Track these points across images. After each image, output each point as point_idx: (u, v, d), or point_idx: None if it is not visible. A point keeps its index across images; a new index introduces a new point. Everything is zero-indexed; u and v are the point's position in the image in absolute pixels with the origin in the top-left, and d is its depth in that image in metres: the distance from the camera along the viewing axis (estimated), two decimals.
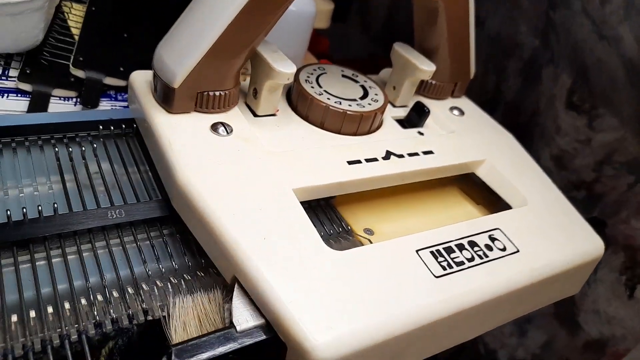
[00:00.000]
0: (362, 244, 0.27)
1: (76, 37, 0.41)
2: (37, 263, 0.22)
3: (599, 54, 0.47)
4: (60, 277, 0.21)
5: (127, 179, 0.27)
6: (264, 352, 0.20)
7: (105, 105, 0.37)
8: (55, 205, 0.23)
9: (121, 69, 0.39)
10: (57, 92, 0.36)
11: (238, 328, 0.20)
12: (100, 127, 0.29)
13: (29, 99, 0.36)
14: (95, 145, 0.28)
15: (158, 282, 0.22)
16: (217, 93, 0.27)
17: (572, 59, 0.50)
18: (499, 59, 0.57)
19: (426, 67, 0.33)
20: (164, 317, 0.21)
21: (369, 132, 0.31)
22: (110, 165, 0.27)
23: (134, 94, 0.29)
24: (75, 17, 0.42)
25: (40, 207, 0.23)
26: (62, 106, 0.36)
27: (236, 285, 0.21)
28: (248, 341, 0.20)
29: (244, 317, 0.20)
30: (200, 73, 0.26)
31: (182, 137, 0.26)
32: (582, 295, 0.51)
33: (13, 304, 0.20)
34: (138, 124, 0.29)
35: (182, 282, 0.23)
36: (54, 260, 0.22)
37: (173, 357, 0.18)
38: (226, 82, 0.27)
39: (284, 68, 0.27)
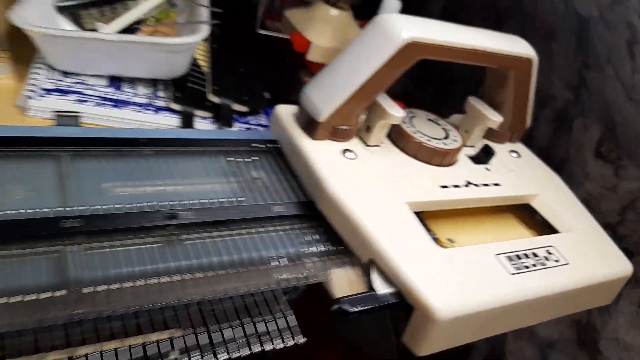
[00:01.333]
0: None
1: (203, 69, 0.51)
2: (227, 239, 0.31)
3: (627, 114, 0.56)
4: (245, 249, 0.30)
5: (278, 184, 0.36)
6: (395, 311, 0.29)
7: (238, 125, 0.47)
8: (238, 198, 0.32)
9: (244, 97, 0.49)
10: (198, 112, 0.46)
11: (378, 293, 0.29)
12: (253, 145, 0.38)
13: (177, 116, 0.45)
14: (253, 158, 0.37)
15: (315, 258, 0.31)
16: (346, 127, 0.37)
17: (602, 115, 0.59)
18: (534, 108, 0.67)
19: (495, 119, 0.42)
20: (324, 281, 0.30)
21: (450, 164, 0.41)
22: (264, 172, 0.36)
23: (279, 122, 0.38)
24: (199, 51, 0.52)
25: (222, 200, 0.32)
26: (201, 124, 0.46)
27: (373, 265, 0.30)
28: (386, 301, 0.28)
29: (381, 286, 0.29)
30: (339, 112, 0.35)
31: (323, 158, 0.35)
32: (604, 324, 0.58)
33: (219, 263, 0.29)
34: (281, 145, 0.39)
35: (332, 259, 0.31)
36: (239, 237, 0.31)
37: (345, 304, 0.27)
38: (353, 119, 0.37)
39: (397, 113, 0.37)
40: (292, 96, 0.55)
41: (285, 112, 0.38)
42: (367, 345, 0.66)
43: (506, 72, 0.42)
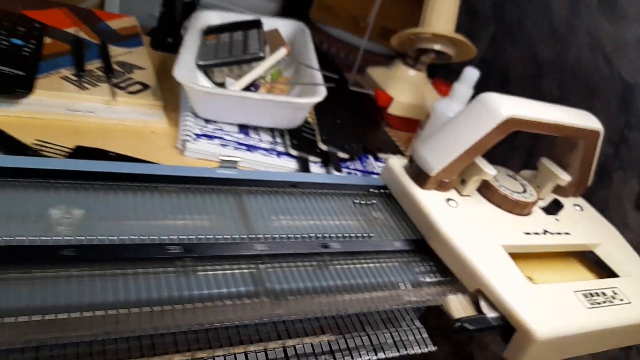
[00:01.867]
0: None
1: (310, 120, 0.61)
2: (365, 265, 0.39)
3: None
4: (378, 274, 0.39)
5: (393, 223, 0.45)
6: (500, 332, 0.37)
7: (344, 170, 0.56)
8: (369, 234, 0.41)
9: (346, 146, 0.58)
10: (311, 158, 0.56)
11: (487, 316, 0.37)
12: (370, 189, 0.47)
13: (294, 160, 0.55)
14: (372, 201, 0.46)
15: (431, 285, 0.39)
16: (448, 180, 0.45)
17: None
18: None
19: (565, 178, 0.51)
20: (442, 304, 0.38)
21: (527, 214, 0.49)
22: (381, 213, 0.45)
23: (392, 172, 0.47)
24: None
25: (358, 235, 0.41)
26: (314, 168, 0.55)
27: (481, 294, 0.38)
28: (495, 323, 0.36)
29: (488, 310, 0.37)
30: (447, 169, 0.44)
31: (433, 205, 0.44)
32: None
33: (363, 285, 0.37)
34: (392, 191, 0.48)
35: (443, 286, 0.40)
36: (372, 265, 0.40)
37: (466, 323, 0.35)
38: (455, 174, 0.46)
39: (491, 171, 0.45)
40: (377, 145, 0.64)
41: (396, 164, 0.48)
42: None
43: (576, 141, 0.51)
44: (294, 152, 0.55)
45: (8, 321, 0.26)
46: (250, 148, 0.53)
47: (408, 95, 0.71)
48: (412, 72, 0.73)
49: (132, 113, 0.52)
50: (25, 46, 0.51)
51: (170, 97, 0.57)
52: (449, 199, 0.45)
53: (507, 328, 0.37)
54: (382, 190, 0.48)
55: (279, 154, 0.55)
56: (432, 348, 0.36)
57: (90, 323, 0.27)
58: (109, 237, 0.33)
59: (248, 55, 0.59)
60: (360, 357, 0.34)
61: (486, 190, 0.49)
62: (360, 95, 0.72)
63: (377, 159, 0.62)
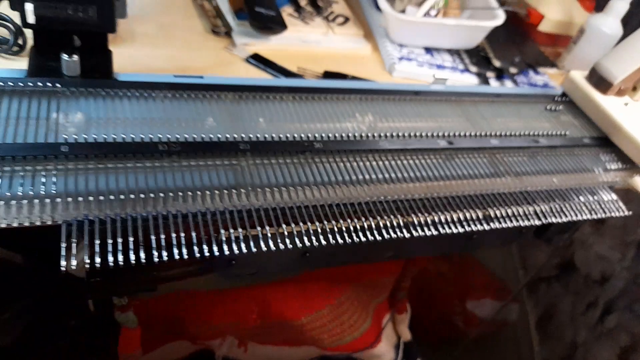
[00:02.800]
0: None
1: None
2: (558, 156, 0.51)
3: None
4: (578, 162, 0.50)
5: (578, 124, 0.55)
6: None
7: (509, 83, 0.67)
8: (565, 132, 0.52)
9: (515, 60, 0.68)
10: (488, 74, 0.66)
11: None
12: (555, 98, 0.58)
13: (474, 76, 0.66)
14: (558, 108, 0.57)
15: (615, 171, 0.51)
16: (625, 87, 0.55)
17: None
18: None
19: None
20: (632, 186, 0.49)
21: None
22: (566, 117, 0.56)
23: (574, 82, 0.57)
24: None
25: (555, 133, 0.52)
26: (492, 82, 0.66)
27: None
28: None
29: None
30: (628, 77, 0.54)
31: (614, 108, 0.54)
32: None
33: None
34: (574, 98, 0.58)
35: (629, 171, 0.51)
36: (571, 155, 0.51)
37: None
38: (632, 82, 0.55)
39: None
40: (535, 60, 0.73)
41: (578, 76, 0.57)
42: None
43: None
44: (473, 69, 0.65)
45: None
46: (440, 67, 0.64)
47: (557, 12, 0.77)
48: None
49: (344, 42, 0.64)
50: None
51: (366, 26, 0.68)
52: (625, 103, 0.55)
53: None
54: (564, 98, 0.59)
55: (462, 71, 0.66)
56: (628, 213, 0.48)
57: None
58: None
59: None
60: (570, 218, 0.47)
61: None
62: (512, 14, 0.79)
63: (536, 72, 0.71)
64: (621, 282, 0.90)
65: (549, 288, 1.04)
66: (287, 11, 0.65)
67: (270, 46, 0.60)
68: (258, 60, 0.56)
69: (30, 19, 0.40)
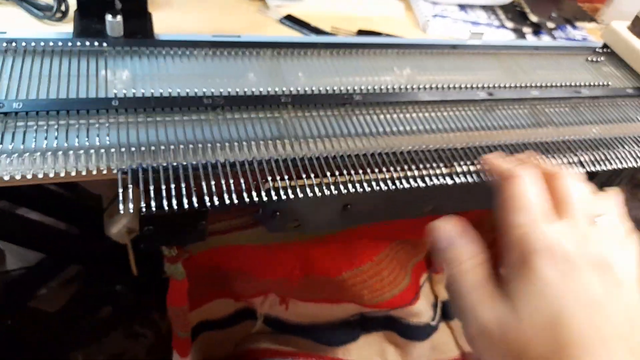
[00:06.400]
0: None
1: None
2: (603, 107, 0.50)
3: None
4: (612, 113, 0.49)
5: (619, 74, 0.54)
6: None
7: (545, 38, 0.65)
8: (607, 82, 0.51)
9: (553, 15, 0.66)
10: (524, 29, 0.65)
11: None
12: (596, 49, 0.56)
13: (510, 32, 0.64)
14: (600, 59, 0.56)
15: None
16: None
17: None
18: None
19: None
20: None
21: None
22: (607, 68, 0.55)
23: (617, 33, 0.55)
24: None
25: (596, 84, 0.51)
26: (528, 37, 0.64)
27: None
28: None
29: None
30: None
31: None
32: None
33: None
34: (615, 48, 0.56)
35: None
36: (612, 105, 0.50)
37: None
38: None
39: None
40: (573, 14, 0.71)
41: (620, 26, 0.56)
42: None
43: None
44: (509, 25, 0.64)
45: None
46: (474, 24, 0.63)
47: None
48: None
49: (377, 2, 0.64)
50: None
51: None
52: None
53: None
54: (605, 50, 0.57)
55: (497, 27, 0.64)
56: None
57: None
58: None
59: None
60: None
61: None
62: None
63: (574, 27, 0.69)
64: None
65: None
66: None
67: (303, 8, 0.60)
68: (292, 21, 0.57)
69: None
